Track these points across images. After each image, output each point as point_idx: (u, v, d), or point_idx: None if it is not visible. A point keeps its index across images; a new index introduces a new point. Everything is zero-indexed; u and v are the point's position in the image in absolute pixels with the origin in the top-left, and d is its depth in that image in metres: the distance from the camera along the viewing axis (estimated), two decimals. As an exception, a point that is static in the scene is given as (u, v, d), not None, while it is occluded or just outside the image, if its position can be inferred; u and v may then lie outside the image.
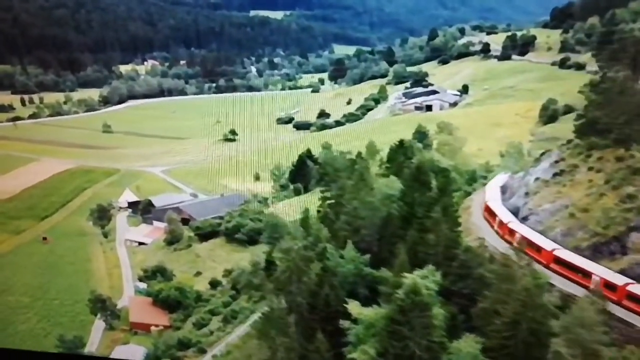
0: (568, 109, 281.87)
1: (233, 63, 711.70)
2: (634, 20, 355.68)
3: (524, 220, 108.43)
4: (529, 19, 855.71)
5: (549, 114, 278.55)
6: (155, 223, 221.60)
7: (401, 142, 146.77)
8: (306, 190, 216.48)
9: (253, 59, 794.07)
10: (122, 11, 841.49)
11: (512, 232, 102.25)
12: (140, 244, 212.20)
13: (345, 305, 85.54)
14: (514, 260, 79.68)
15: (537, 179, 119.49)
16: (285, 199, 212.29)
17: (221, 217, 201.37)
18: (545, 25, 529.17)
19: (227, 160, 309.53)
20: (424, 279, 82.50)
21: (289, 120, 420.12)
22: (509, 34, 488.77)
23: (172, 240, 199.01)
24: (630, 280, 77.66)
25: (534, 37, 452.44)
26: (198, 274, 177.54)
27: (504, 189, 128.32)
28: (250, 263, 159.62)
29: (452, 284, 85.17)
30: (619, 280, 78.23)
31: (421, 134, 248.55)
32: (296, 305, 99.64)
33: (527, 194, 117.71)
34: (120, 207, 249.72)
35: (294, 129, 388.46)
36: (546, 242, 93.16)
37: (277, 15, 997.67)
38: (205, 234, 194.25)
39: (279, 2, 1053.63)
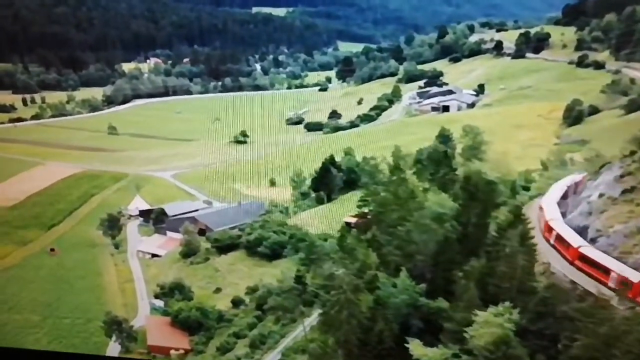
0: (593, 110, 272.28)
1: (238, 61, 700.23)
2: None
3: (592, 242, 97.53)
4: (534, 16, 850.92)
5: (574, 115, 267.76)
6: (169, 233, 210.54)
7: (445, 152, 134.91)
8: (329, 199, 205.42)
9: (257, 56, 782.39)
10: (124, 8, 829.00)
11: (583, 257, 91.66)
12: (154, 255, 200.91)
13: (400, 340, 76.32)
14: (608, 300, 69.76)
15: (601, 195, 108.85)
16: (308, 208, 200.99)
17: (240, 228, 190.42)
18: (557, 22, 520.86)
19: (239, 163, 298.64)
20: (498, 317, 72.63)
21: (299, 120, 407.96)
22: (522, 31, 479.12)
23: (189, 252, 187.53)
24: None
25: (548, 35, 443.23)
26: (218, 290, 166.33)
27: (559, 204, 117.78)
28: (277, 281, 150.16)
29: (530, 322, 74.94)
30: None
31: (444, 138, 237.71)
32: (344, 341, 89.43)
33: (590, 213, 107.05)
34: (131, 215, 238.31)
35: (305, 130, 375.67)
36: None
37: (280, 12, 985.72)
38: (224, 247, 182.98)
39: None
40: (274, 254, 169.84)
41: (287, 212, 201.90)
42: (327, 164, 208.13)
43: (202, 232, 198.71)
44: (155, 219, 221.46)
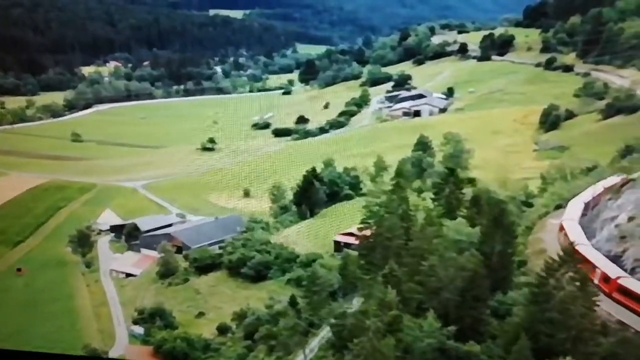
0: (569, 115, 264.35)
1: (198, 64, 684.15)
2: (622, 19, 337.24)
3: (632, 273, 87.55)
4: (487, 17, 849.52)
5: (551, 120, 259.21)
6: (143, 250, 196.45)
7: (451, 170, 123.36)
8: (312, 213, 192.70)
9: (217, 59, 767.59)
10: (81, 10, 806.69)
11: (623, 289, 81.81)
12: (128, 275, 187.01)
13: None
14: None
15: (631, 218, 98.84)
16: (290, 223, 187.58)
17: (220, 246, 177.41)
18: (518, 24, 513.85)
19: (210, 172, 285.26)
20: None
21: (266, 125, 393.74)
22: (486, 33, 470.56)
23: (166, 272, 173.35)
24: None
25: (513, 37, 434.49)
26: (200, 314, 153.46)
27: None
28: (265, 306, 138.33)
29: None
30: None
31: (423, 145, 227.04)
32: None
33: (623, 238, 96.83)
34: (101, 230, 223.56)
35: (273, 136, 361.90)
36: None
37: (237, 14, 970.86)
38: (204, 267, 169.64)
39: (238, 1, 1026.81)
40: (258, 275, 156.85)
41: (269, 228, 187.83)
42: (309, 176, 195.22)
43: (178, 249, 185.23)
44: (128, 235, 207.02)
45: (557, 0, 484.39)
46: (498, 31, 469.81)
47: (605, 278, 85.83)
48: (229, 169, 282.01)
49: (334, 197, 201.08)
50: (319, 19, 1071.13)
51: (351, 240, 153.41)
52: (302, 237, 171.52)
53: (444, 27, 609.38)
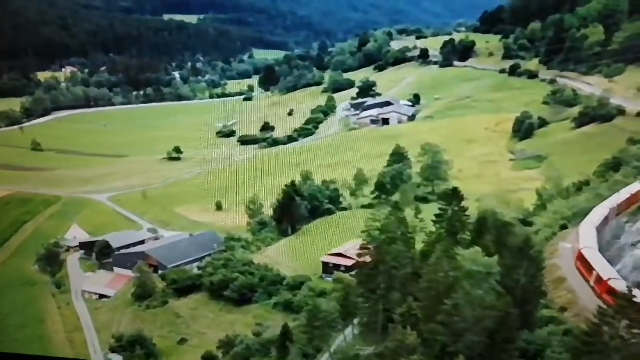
0: (542, 123, 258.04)
1: (157, 70, 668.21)
2: (584, 26, 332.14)
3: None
4: (439, 21, 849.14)
5: (525, 129, 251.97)
6: (117, 269, 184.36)
7: (454, 189, 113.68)
8: (294, 230, 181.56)
9: (174, 65, 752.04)
10: (33, 14, 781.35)
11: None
12: (102, 296, 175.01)
13: None
14: None
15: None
16: (272, 241, 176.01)
17: (200, 266, 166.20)
18: (477, 30, 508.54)
19: (178, 183, 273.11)
20: None
21: (230, 133, 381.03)
22: (447, 38, 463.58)
23: (143, 294, 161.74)
24: None
25: (474, 43, 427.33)
26: (183, 341, 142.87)
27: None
28: (253, 333, 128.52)
29: None
30: None
31: (400, 156, 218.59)
32: None
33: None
34: (70, 247, 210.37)
35: (239, 144, 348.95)
36: None
37: (191, 19, 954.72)
38: (184, 288, 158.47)
39: (192, 6, 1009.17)
40: (242, 298, 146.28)
41: (249, 246, 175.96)
42: (289, 191, 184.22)
43: (153, 268, 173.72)
44: (100, 253, 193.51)
45: (513, 7, 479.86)
46: (458, 37, 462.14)
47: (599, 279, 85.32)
48: (197, 179, 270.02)
49: (315, 212, 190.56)
50: (273, 24, 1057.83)
51: (341, 261, 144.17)
52: (286, 257, 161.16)
53: (401, 32, 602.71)
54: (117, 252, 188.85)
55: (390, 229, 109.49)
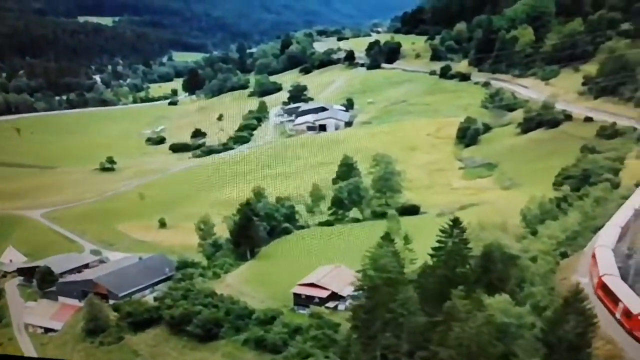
0: (485, 128, 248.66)
1: (77, 74, 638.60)
2: (513, 27, 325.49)
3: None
4: (352, 22, 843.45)
5: (471, 135, 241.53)
6: (62, 299, 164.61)
7: (455, 220, 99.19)
8: (252, 253, 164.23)
9: (93, 68, 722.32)
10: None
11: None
12: (47, 330, 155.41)
13: None
14: None
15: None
16: (230, 266, 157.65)
17: (156, 297, 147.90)
18: (397, 31, 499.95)
19: (115, 198, 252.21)
20: None
21: (161, 140, 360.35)
22: (369, 39, 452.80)
23: (95, 329, 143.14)
24: None
25: (399, 44, 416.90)
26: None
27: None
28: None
29: None
30: None
31: (349, 167, 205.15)
32: None
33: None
34: (7, 272, 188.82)
35: (171, 152, 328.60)
36: None
37: (106, 21, 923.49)
38: (140, 322, 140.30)
39: (106, 8, 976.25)
40: (208, 334, 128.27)
41: (206, 272, 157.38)
42: (246, 211, 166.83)
43: (104, 297, 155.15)
44: (41, 280, 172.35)
45: (434, 7, 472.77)
46: (383, 38, 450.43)
47: (627, 313, 75.79)
48: (136, 193, 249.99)
49: (272, 232, 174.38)
50: (189, 26, 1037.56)
51: (314, 292, 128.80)
52: (249, 285, 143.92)
53: (320, 33, 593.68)
54: (61, 280, 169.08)
55: (388, 268, 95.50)
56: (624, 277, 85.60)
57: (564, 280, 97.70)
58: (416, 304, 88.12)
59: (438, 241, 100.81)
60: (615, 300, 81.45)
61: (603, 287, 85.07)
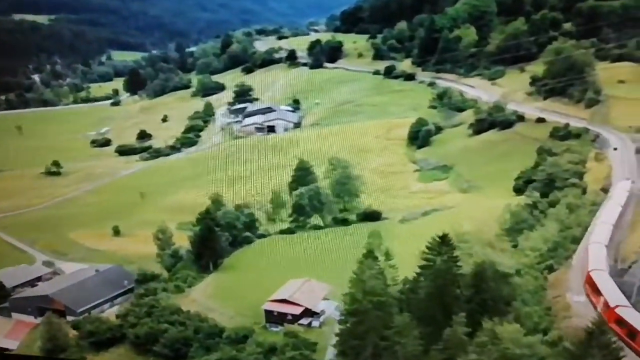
0: (437, 129, 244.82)
1: (15, 73, 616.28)
2: (456, 26, 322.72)
3: None
4: (287, 20, 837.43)
5: (423, 136, 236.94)
6: (15, 315, 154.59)
7: (444, 237, 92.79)
8: (215, 265, 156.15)
9: (31, 67, 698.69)
10: None
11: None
12: (1, 349, 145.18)
13: None
14: None
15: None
16: (194, 280, 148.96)
17: (119, 314, 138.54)
18: (337, 30, 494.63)
19: (65, 203, 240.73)
20: None
21: (106, 142, 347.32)
22: (313, 39, 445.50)
23: (54, 349, 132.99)
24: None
25: (341, 43, 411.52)
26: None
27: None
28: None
29: None
30: None
31: (305, 171, 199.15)
32: None
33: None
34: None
35: (117, 155, 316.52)
36: None
37: (43, 19, 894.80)
38: (102, 341, 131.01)
39: (42, 6, 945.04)
40: (176, 354, 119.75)
41: (167, 285, 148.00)
42: (207, 221, 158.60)
43: (61, 313, 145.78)
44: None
45: (372, 6, 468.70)
46: (324, 37, 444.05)
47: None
48: (86, 198, 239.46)
49: (233, 242, 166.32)
50: (126, 25, 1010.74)
51: (287, 309, 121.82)
52: (215, 300, 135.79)
53: (259, 32, 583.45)
54: (14, 295, 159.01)
55: (377, 291, 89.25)
56: (627, 295, 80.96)
57: (557, 298, 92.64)
58: (414, 330, 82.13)
59: (425, 259, 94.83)
60: (598, 292, 79.42)
61: (589, 281, 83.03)
